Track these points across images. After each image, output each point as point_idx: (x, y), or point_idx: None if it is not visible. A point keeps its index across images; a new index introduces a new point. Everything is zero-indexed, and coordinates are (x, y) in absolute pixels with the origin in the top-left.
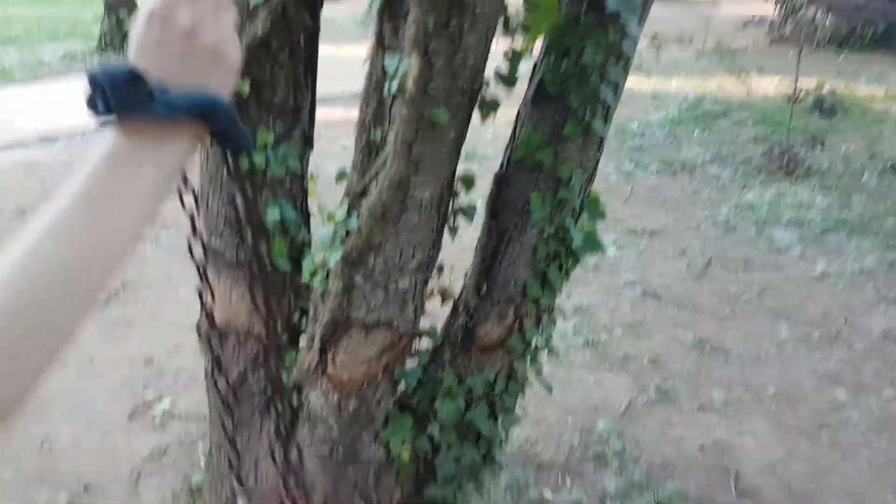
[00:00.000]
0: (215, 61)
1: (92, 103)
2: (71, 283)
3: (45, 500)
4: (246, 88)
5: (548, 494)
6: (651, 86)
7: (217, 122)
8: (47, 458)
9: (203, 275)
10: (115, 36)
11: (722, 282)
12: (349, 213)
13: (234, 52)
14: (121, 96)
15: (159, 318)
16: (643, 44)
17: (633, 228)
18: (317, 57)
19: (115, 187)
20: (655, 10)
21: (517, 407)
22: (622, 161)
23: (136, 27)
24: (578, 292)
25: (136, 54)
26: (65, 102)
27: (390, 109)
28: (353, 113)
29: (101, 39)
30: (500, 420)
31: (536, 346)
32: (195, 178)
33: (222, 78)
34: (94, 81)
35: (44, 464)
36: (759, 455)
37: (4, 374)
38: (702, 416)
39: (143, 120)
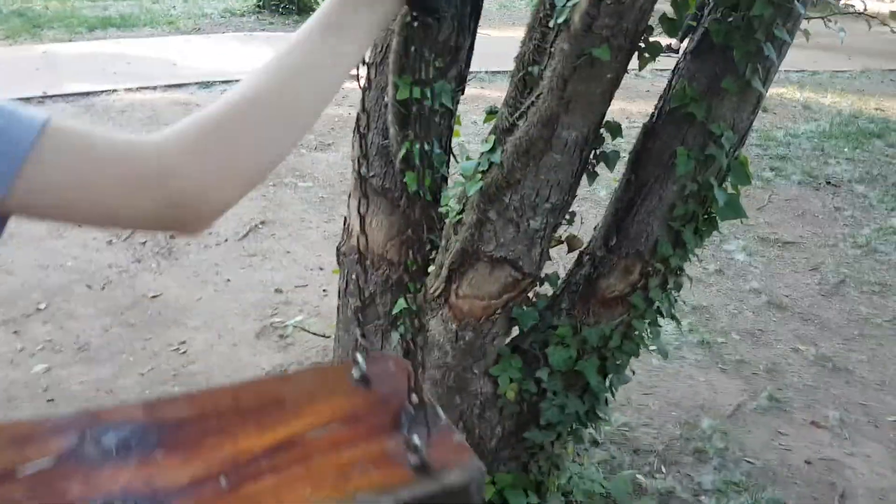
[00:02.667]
0: None
1: None
2: (311, 80)
3: (176, 393)
4: (413, 26)
5: (641, 478)
6: (803, 96)
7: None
8: (181, 359)
9: (363, 195)
10: None
11: (853, 302)
12: (494, 148)
13: None
14: None
15: (292, 254)
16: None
17: (765, 237)
18: (482, 2)
19: (343, 22)
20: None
21: (627, 369)
22: (762, 168)
23: None
24: (699, 292)
25: None
26: (221, 52)
27: (552, 45)
28: (486, 91)
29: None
30: (609, 378)
31: (659, 309)
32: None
33: None
34: None
35: (178, 364)
36: (870, 479)
37: (263, 143)
38: (814, 431)
39: None
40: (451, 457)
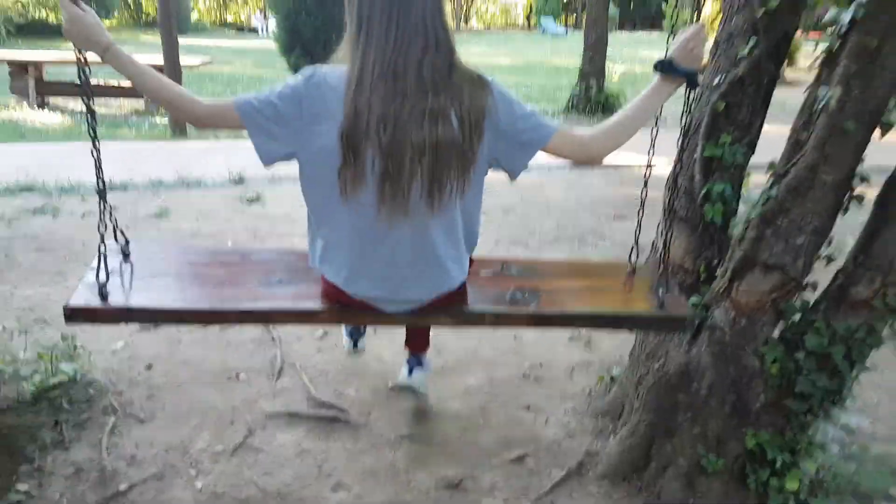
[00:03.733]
0: (696, 61)
1: (662, 67)
2: (638, 121)
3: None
4: (721, 107)
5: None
6: None
7: (692, 79)
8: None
9: (670, 222)
10: (581, 101)
11: None
12: (772, 186)
13: (702, 59)
14: (666, 64)
15: None
16: None
17: None
18: (772, 92)
19: (655, 93)
20: None
21: (867, 361)
22: None
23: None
24: None
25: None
26: None
27: (816, 120)
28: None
29: (568, 102)
30: (853, 365)
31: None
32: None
33: (697, 66)
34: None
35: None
36: None
37: (623, 138)
38: None
39: (670, 74)
40: (679, 306)
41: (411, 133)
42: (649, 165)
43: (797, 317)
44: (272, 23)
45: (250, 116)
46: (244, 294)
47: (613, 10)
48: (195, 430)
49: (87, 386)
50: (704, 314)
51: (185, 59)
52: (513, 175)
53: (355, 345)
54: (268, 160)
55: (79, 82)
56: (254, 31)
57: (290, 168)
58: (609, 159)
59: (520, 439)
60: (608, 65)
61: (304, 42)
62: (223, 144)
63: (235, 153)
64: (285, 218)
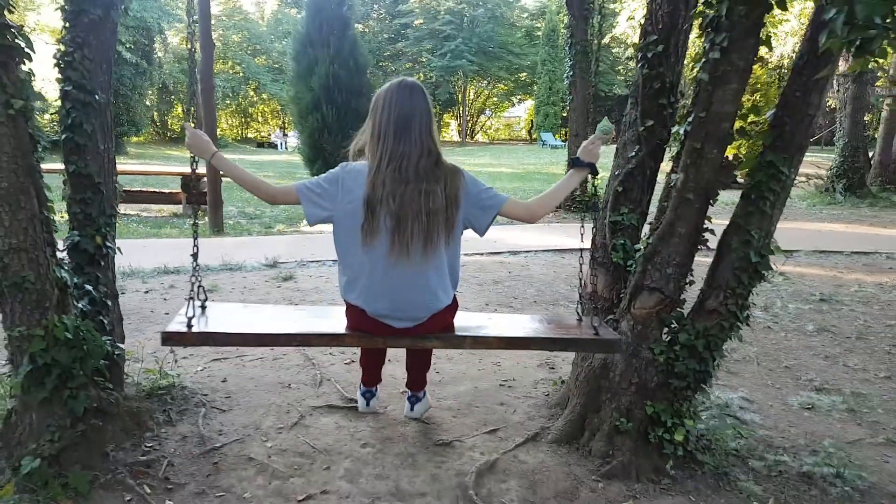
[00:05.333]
0: (594, 158)
1: (574, 162)
2: (558, 197)
3: None
4: (620, 189)
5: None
6: None
7: (593, 168)
8: None
9: (593, 267)
10: (569, 200)
11: None
12: (649, 236)
13: (598, 157)
14: (576, 160)
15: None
16: None
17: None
18: (655, 180)
19: (571, 177)
20: None
21: (722, 351)
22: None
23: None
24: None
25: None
26: (528, 236)
27: (671, 194)
28: None
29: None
30: (712, 352)
31: (739, 319)
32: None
33: (594, 160)
34: (577, 161)
35: None
36: None
37: (546, 211)
38: None
39: (579, 165)
40: (610, 335)
41: (412, 204)
42: (592, 265)
43: (674, 323)
44: (290, 139)
45: (304, 195)
46: (290, 326)
47: (609, 124)
48: (262, 416)
49: (182, 390)
50: (616, 325)
51: None
52: (480, 232)
53: (367, 403)
54: (313, 221)
55: (189, 171)
56: (273, 146)
57: (316, 252)
58: (579, 244)
59: (494, 420)
60: None
61: (325, 156)
62: (255, 239)
63: (268, 245)
64: (314, 290)
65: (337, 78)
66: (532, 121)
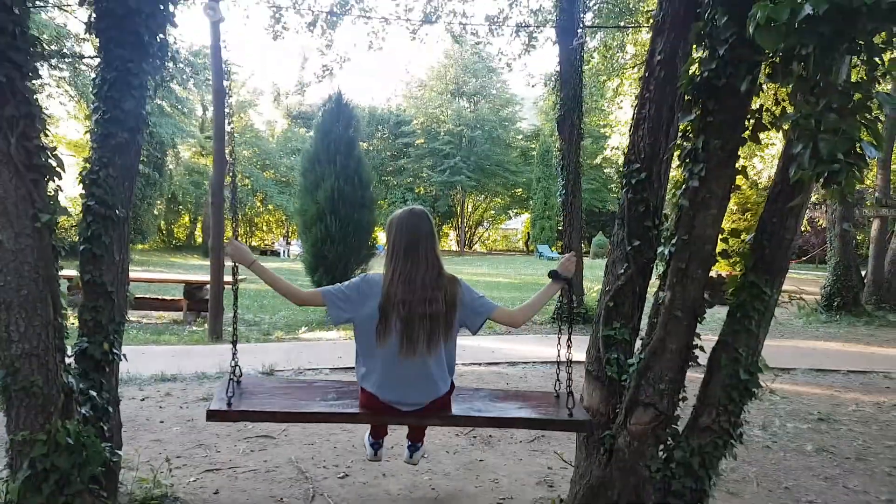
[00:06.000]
0: (570, 272)
1: (552, 275)
2: (535, 309)
3: None
4: (612, 305)
5: None
6: None
7: (569, 282)
8: None
9: (589, 381)
10: (564, 312)
11: None
12: (641, 352)
13: (573, 271)
14: (554, 273)
15: None
16: None
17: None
18: (644, 296)
19: (549, 289)
20: None
21: (719, 467)
22: None
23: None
24: None
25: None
26: (521, 347)
27: (661, 311)
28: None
29: (554, 313)
30: (707, 469)
31: (732, 436)
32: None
33: (570, 275)
34: (554, 274)
35: None
36: None
37: (527, 317)
38: None
39: (556, 278)
40: (582, 415)
41: (418, 310)
42: (569, 362)
43: (669, 440)
44: (293, 248)
45: (329, 299)
46: (312, 405)
47: (604, 239)
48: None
49: (175, 501)
50: (613, 442)
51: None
52: (473, 331)
53: (375, 453)
54: (336, 322)
55: (232, 280)
56: (276, 254)
57: (313, 360)
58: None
59: None
60: (585, 284)
61: (327, 265)
62: (253, 346)
63: (264, 352)
64: None
65: (342, 192)
66: (528, 233)
